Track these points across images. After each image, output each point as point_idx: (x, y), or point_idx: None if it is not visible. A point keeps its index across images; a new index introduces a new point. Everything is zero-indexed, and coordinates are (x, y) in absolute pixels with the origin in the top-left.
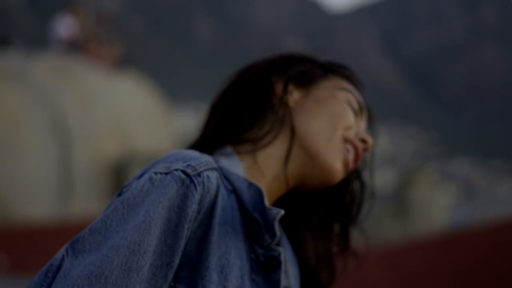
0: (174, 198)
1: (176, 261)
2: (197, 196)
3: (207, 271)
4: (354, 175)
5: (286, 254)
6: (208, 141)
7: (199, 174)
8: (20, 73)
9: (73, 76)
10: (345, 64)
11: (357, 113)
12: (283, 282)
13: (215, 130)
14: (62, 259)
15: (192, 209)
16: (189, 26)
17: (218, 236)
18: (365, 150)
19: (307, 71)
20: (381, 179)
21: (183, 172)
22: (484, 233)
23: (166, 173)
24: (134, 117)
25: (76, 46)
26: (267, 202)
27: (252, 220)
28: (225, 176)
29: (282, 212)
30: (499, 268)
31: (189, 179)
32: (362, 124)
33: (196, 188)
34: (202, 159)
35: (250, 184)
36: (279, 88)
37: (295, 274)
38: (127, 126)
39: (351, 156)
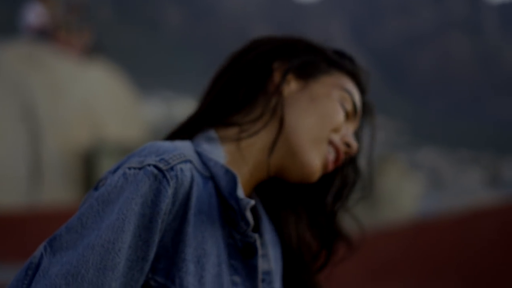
0: (148, 194)
1: (151, 255)
2: (170, 191)
3: (184, 263)
4: (348, 160)
5: (267, 236)
6: (197, 121)
7: (172, 168)
8: None
9: (43, 64)
10: (354, 59)
11: (349, 115)
12: (261, 266)
13: (208, 107)
14: (41, 257)
15: (165, 204)
16: (158, 13)
17: (193, 227)
18: (347, 153)
19: (311, 62)
20: None
21: (156, 167)
22: (451, 221)
23: (140, 168)
24: (104, 106)
25: (45, 34)
26: (240, 191)
27: (228, 207)
28: (203, 162)
29: (252, 202)
30: (466, 255)
31: (161, 174)
32: (352, 126)
33: (168, 183)
34: (176, 152)
35: (227, 171)
36: (277, 76)
37: (277, 257)
38: (97, 114)
39: (331, 158)
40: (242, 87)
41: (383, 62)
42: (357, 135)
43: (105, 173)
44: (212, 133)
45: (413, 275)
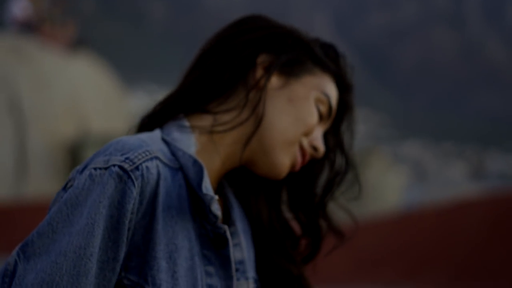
0: (114, 195)
1: (122, 254)
2: (135, 191)
3: (155, 261)
4: (337, 149)
5: (239, 225)
6: (171, 105)
7: (137, 168)
8: None
9: (28, 57)
10: (342, 55)
11: (322, 117)
12: (235, 256)
13: (185, 91)
14: (15, 263)
15: (131, 204)
16: (141, 6)
17: (163, 223)
18: (313, 157)
19: (296, 61)
20: None
21: (120, 167)
22: (435, 213)
23: (106, 168)
24: (89, 98)
25: (30, 27)
26: (207, 183)
27: (198, 197)
28: (172, 152)
29: (216, 197)
30: (450, 246)
31: (126, 174)
32: (323, 127)
33: (134, 183)
34: (141, 149)
35: (195, 161)
36: (260, 71)
37: (249, 244)
38: (82, 107)
39: (299, 160)
40: (223, 75)
41: (367, 55)
42: (350, 128)
43: (73, 172)
44: (185, 121)
45: (398, 265)
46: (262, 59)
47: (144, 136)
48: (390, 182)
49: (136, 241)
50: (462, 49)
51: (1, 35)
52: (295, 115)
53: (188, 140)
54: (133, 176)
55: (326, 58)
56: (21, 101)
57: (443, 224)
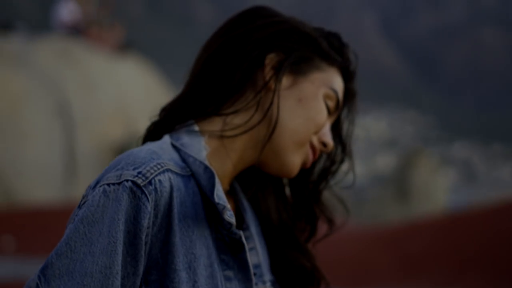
0: (130, 211)
1: (141, 269)
2: (150, 206)
3: (175, 273)
4: (336, 137)
5: (253, 229)
6: (180, 109)
7: (150, 182)
8: (23, 57)
9: (76, 60)
10: (346, 45)
11: (331, 112)
12: (252, 260)
13: (193, 95)
14: (37, 287)
15: (146, 220)
16: (189, 9)
17: (180, 234)
18: (322, 152)
19: (304, 58)
20: (381, 163)
21: (134, 183)
22: (483, 214)
23: (119, 183)
24: (136, 100)
25: (78, 30)
26: (219, 190)
27: (211, 204)
28: (183, 159)
29: (228, 206)
30: (498, 248)
31: (140, 190)
32: (330, 121)
33: (148, 199)
34: (153, 162)
35: (206, 168)
36: (269, 71)
37: (262, 246)
38: (130, 109)
39: (310, 157)
40: (232, 78)
41: (414, 56)
42: (350, 116)
43: (87, 189)
44: (194, 126)
45: (444, 267)
46: (270, 59)
47: (155, 146)
48: (437, 184)
49: (154, 255)
50: (510, 49)
51: (49, 38)
52: (305, 115)
53: (198, 144)
54: (146, 192)
55: (332, 51)
56: (69, 104)
57: (491, 226)
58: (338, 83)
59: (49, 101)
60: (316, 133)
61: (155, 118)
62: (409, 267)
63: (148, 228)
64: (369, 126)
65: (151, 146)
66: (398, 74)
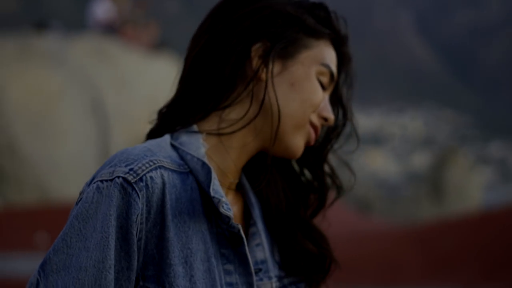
0: (121, 207)
1: (135, 264)
2: (140, 202)
3: (170, 268)
4: (336, 102)
5: (260, 224)
6: (177, 112)
7: (141, 179)
8: (58, 56)
9: (111, 58)
10: (332, 12)
11: (326, 87)
12: (257, 256)
13: (186, 97)
14: (37, 282)
15: (135, 216)
16: None
17: (175, 230)
18: (323, 126)
19: (290, 41)
20: (416, 161)
21: (124, 179)
22: None
23: (111, 180)
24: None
25: (113, 28)
26: (216, 185)
27: (210, 199)
28: (181, 157)
29: (223, 199)
30: None
31: (130, 186)
32: (327, 93)
33: (138, 195)
34: (145, 159)
35: (203, 164)
36: (257, 62)
37: (270, 242)
38: None
39: (312, 136)
40: (221, 75)
41: (451, 54)
42: (349, 80)
43: (84, 186)
44: (194, 127)
45: (477, 266)
46: (255, 49)
47: (151, 144)
48: (472, 183)
49: (150, 250)
50: None
51: (84, 37)
52: (300, 98)
53: (196, 141)
54: (137, 188)
55: (318, 25)
56: (104, 101)
57: None
58: (329, 55)
59: (84, 99)
60: (314, 112)
61: (154, 122)
62: (439, 265)
63: (141, 223)
64: (405, 125)
65: (148, 144)
66: (435, 73)
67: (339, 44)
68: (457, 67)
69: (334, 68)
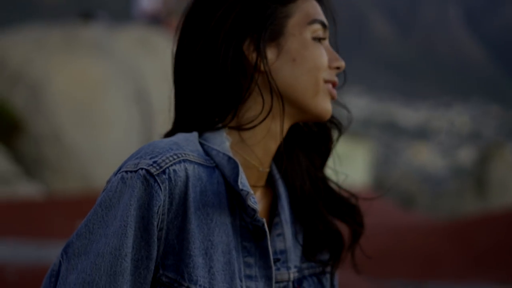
0: (143, 198)
1: (154, 253)
2: (162, 194)
3: (190, 259)
4: None
5: (283, 216)
6: (195, 119)
7: (163, 171)
8: (103, 46)
9: (155, 48)
10: None
11: (324, 38)
12: (276, 246)
13: (194, 111)
14: (60, 264)
15: (157, 207)
16: None
17: (197, 222)
18: (338, 73)
19: (272, 22)
20: (462, 156)
21: (147, 171)
22: None
23: (135, 171)
24: None
25: (158, 20)
26: (242, 179)
27: (236, 192)
28: (206, 152)
29: (251, 192)
30: None
31: (152, 178)
32: (327, 42)
33: (160, 187)
34: (170, 152)
35: (229, 159)
36: (253, 58)
37: (293, 232)
38: None
39: (334, 92)
40: (224, 85)
41: (498, 49)
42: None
43: (111, 175)
44: (219, 124)
45: None
46: (246, 46)
47: (179, 138)
48: None
49: (171, 240)
50: None
51: (130, 27)
52: (306, 69)
53: (220, 136)
54: (159, 180)
55: None
56: (148, 91)
57: None
58: (311, 8)
59: (128, 89)
60: (325, 70)
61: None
62: (478, 260)
63: (163, 214)
64: (452, 120)
65: (175, 137)
66: (482, 68)
67: None
68: (505, 63)
69: (321, 16)
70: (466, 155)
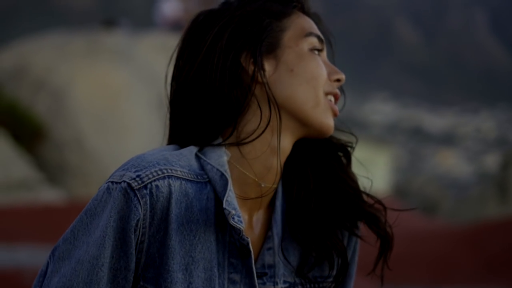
0: (123, 210)
1: (132, 265)
2: (142, 208)
3: (169, 274)
4: None
5: (275, 230)
6: (194, 136)
7: (145, 186)
8: (125, 52)
9: None
10: None
11: (321, 50)
12: (265, 260)
13: (197, 124)
14: (47, 265)
15: (135, 221)
16: None
17: (179, 237)
18: (339, 87)
19: (268, 35)
20: (488, 162)
21: (129, 185)
22: None
23: (119, 183)
24: None
25: (179, 26)
26: (229, 198)
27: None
28: (202, 166)
29: (234, 212)
30: None
31: (133, 192)
32: (324, 56)
33: (140, 202)
34: (156, 167)
35: (222, 175)
36: (251, 69)
37: (294, 247)
38: None
39: (335, 107)
40: (223, 98)
41: None
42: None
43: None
44: (219, 139)
45: None
46: (243, 59)
47: (172, 152)
48: None
49: (152, 254)
50: None
51: (152, 34)
52: (304, 79)
53: (219, 150)
54: (139, 195)
55: (282, 6)
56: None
57: None
58: (306, 23)
59: (149, 95)
60: (325, 82)
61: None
62: (494, 265)
63: (143, 228)
64: (478, 126)
65: (168, 151)
66: (509, 74)
67: (305, 9)
68: None
69: (317, 30)
70: (492, 161)
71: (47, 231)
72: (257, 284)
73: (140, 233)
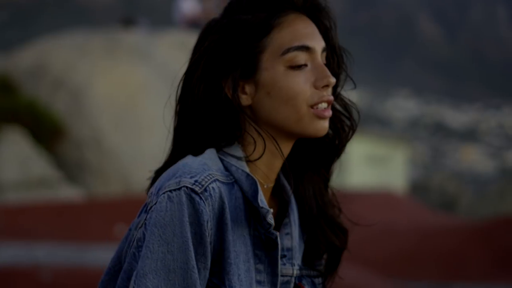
0: (193, 215)
1: (209, 264)
2: (207, 209)
3: (230, 266)
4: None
5: (292, 217)
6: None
7: (205, 189)
8: (144, 51)
9: None
10: None
11: (307, 58)
12: (284, 243)
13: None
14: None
15: (205, 221)
16: None
17: (230, 235)
18: (330, 87)
19: (244, 59)
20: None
21: (192, 190)
22: None
23: (179, 189)
24: None
25: (198, 25)
26: (261, 197)
27: (253, 206)
28: (226, 167)
29: (271, 211)
30: None
31: (198, 196)
32: (318, 56)
33: (205, 204)
34: (206, 172)
35: (248, 175)
36: (230, 94)
37: (299, 234)
38: None
39: (326, 111)
40: (215, 122)
41: None
42: (333, 23)
43: (149, 196)
44: (236, 144)
45: None
46: (225, 83)
47: (205, 158)
48: None
49: (216, 251)
50: None
51: (170, 32)
52: (281, 100)
53: (237, 151)
54: (203, 197)
55: (264, 18)
56: None
57: None
58: (288, 35)
59: (168, 94)
60: (307, 98)
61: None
62: (506, 261)
63: (211, 229)
64: (501, 121)
65: (202, 158)
66: None
67: (297, 5)
68: None
69: (300, 40)
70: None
71: (66, 228)
72: (279, 273)
73: (209, 233)
